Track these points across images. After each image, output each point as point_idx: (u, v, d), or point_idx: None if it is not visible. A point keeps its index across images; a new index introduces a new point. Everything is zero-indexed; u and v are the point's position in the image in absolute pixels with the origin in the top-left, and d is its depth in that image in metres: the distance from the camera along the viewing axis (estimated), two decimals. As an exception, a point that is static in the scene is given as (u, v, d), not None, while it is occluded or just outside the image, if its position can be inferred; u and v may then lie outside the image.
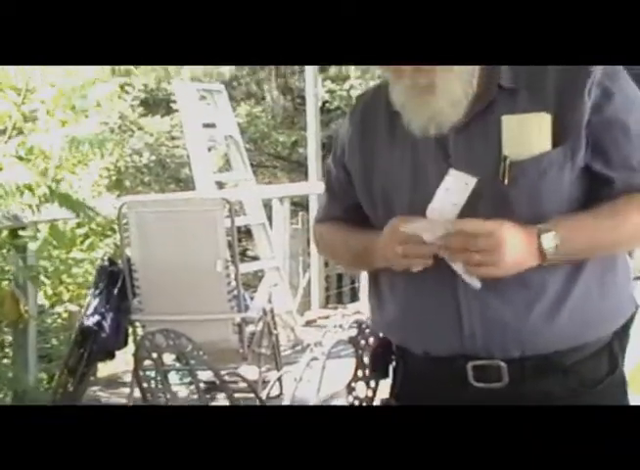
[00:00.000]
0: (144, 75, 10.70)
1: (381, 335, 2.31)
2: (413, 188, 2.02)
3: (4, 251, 6.02)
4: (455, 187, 1.86)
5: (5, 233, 6.09)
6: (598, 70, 1.89)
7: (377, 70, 15.47)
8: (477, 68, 1.95)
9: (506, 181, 1.87)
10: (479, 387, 2.00)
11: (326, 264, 9.04)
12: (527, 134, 1.90)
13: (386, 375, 2.26)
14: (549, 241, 1.83)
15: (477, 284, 1.87)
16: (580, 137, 1.89)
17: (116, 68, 7.90)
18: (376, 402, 2.39)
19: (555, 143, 1.89)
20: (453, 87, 1.93)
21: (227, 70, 15.24)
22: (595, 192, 1.93)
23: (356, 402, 3.58)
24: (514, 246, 1.81)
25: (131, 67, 9.57)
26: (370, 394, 3.50)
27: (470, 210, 1.88)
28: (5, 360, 6.05)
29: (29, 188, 6.10)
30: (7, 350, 6.22)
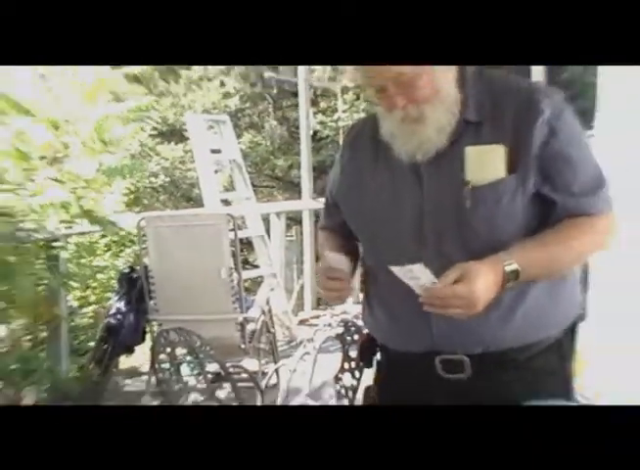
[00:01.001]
0: (163, 110, 10.68)
1: (354, 328, 2.34)
2: (391, 210, 2.04)
3: (39, 260, 6.01)
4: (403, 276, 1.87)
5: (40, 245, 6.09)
6: (547, 111, 1.92)
7: (362, 105, 15.50)
8: (459, 99, 1.97)
9: (468, 204, 1.90)
10: (446, 377, 2.03)
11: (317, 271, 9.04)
12: (486, 163, 1.92)
13: (370, 365, 2.28)
14: (511, 271, 1.84)
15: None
16: (530, 167, 1.92)
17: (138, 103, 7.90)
18: (360, 390, 2.39)
19: (509, 171, 1.91)
20: (440, 117, 1.95)
21: (232, 104, 15.24)
22: (544, 214, 1.96)
23: (342, 391, 3.60)
24: (485, 286, 1.82)
25: (152, 102, 9.57)
26: (355, 383, 3.51)
27: (438, 233, 1.95)
28: (41, 354, 6.04)
29: (64, 207, 6.13)
30: (43, 345, 6.21)
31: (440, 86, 1.94)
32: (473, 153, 1.93)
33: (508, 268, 1.84)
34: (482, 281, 1.80)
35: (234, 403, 4.60)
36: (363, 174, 2.14)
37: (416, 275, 1.83)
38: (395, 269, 1.85)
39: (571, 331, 2.10)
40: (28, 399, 5.40)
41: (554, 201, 1.95)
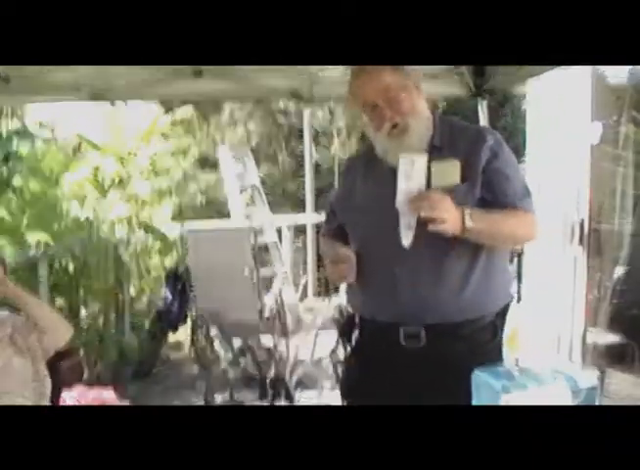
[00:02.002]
0: (199, 145, 10.77)
1: (347, 313, 2.36)
2: (375, 205, 2.07)
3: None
4: (406, 167, 1.89)
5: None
6: (490, 140, 2.01)
7: (353, 142, 15.51)
8: (431, 121, 2.04)
9: None
10: (406, 346, 2.02)
11: (317, 269, 9.05)
12: (445, 173, 1.97)
13: (350, 339, 2.27)
14: (468, 216, 1.88)
15: (407, 241, 1.92)
16: (478, 178, 1.99)
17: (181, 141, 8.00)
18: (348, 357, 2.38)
19: (462, 180, 1.98)
20: (420, 128, 2.02)
21: (253, 141, 15.25)
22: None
23: (336, 362, 3.62)
24: (453, 213, 1.86)
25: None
26: (346, 354, 3.57)
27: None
28: (112, 330, 6.13)
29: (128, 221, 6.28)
30: (112, 323, 6.32)
31: (416, 104, 2.02)
32: (437, 165, 1.98)
33: (466, 210, 1.89)
34: (453, 210, 1.86)
35: (254, 371, 4.62)
36: (356, 183, 2.17)
37: (415, 167, 1.88)
38: (403, 157, 1.89)
39: (503, 311, 2.11)
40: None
41: (493, 202, 2.01)
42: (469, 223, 1.88)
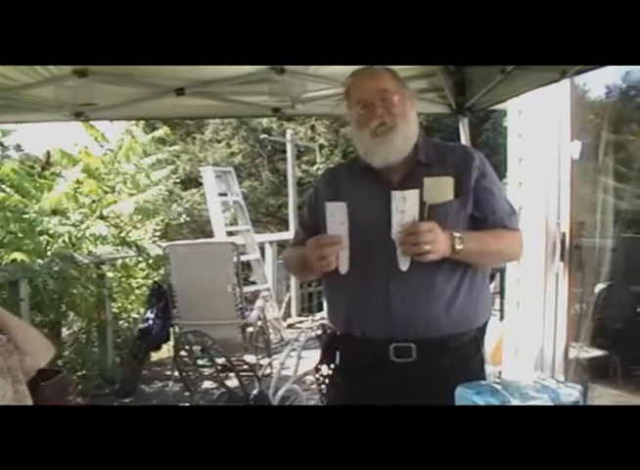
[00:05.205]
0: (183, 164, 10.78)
1: (330, 331, 2.34)
2: (365, 218, 2.03)
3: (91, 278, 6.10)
4: (398, 203, 1.91)
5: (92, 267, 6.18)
6: (477, 160, 2.06)
7: (336, 158, 15.58)
8: (417, 132, 2.06)
9: (425, 218, 1.94)
10: (397, 361, 2.02)
11: (301, 286, 9.05)
12: (439, 189, 2.00)
13: (334, 360, 2.26)
14: (457, 240, 1.91)
15: (405, 266, 1.94)
16: (469, 196, 2.02)
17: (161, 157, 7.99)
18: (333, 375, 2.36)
19: (455, 196, 2.01)
20: (407, 130, 2.03)
21: (236, 159, 15.31)
22: (477, 229, 2.03)
23: (320, 379, 3.62)
24: (442, 240, 1.88)
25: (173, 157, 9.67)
26: (330, 372, 3.56)
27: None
28: (94, 349, 6.10)
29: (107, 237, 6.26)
30: (94, 342, 6.28)
31: (408, 110, 2.05)
32: (430, 182, 2.00)
33: (455, 234, 1.91)
34: (441, 231, 1.88)
35: (237, 389, 4.62)
36: (337, 194, 2.11)
37: (407, 203, 1.89)
38: (395, 193, 1.91)
39: (483, 327, 2.15)
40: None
41: (483, 220, 2.05)
42: (458, 247, 1.92)
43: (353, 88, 2.10)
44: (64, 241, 5.96)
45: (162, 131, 8.25)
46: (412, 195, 1.91)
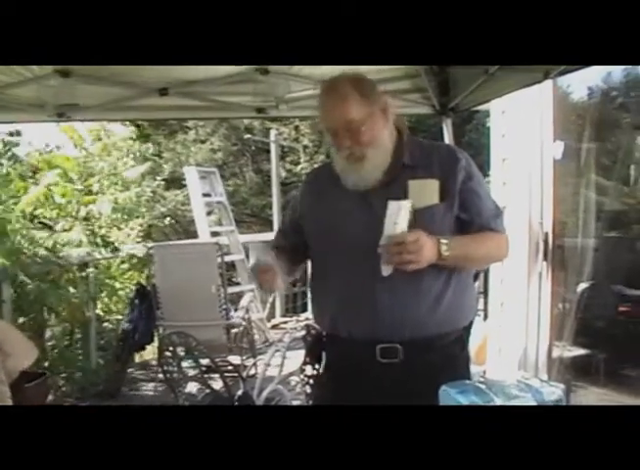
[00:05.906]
0: (166, 163, 10.76)
1: (314, 331, 2.35)
2: (344, 224, 2.05)
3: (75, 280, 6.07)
4: (392, 212, 1.88)
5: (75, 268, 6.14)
6: (463, 161, 2.05)
7: (320, 157, 15.58)
8: (390, 148, 2.04)
9: (411, 223, 1.92)
10: (383, 362, 2.03)
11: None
12: (424, 192, 2.00)
13: (320, 360, 2.27)
14: (444, 246, 1.91)
15: (387, 272, 1.91)
16: (455, 198, 2.02)
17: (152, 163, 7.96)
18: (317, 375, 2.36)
19: (440, 199, 2.01)
20: (377, 158, 2.01)
21: (219, 158, 15.26)
22: (462, 231, 2.04)
23: (305, 379, 3.62)
24: (428, 248, 1.87)
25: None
26: (315, 372, 3.56)
27: None
28: (76, 351, 6.07)
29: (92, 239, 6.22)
30: (77, 344, 6.25)
31: (377, 135, 2.00)
32: (415, 185, 2.00)
33: (442, 241, 1.91)
34: (427, 246, 1.87)
35: (222, 390, 4.61)
36: (321, 197, 2.15)
37: (401, 214, 1.86)
38: (391, 202, 1.88)
39: (469, 326, 2.16)
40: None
41: (470, 222, 2.05)
42: (445, 253, 1.92)
43: (321, 114, 2.05)
44: (40, 245, 5.92)
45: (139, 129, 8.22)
46: (407, 205, 1.89)
